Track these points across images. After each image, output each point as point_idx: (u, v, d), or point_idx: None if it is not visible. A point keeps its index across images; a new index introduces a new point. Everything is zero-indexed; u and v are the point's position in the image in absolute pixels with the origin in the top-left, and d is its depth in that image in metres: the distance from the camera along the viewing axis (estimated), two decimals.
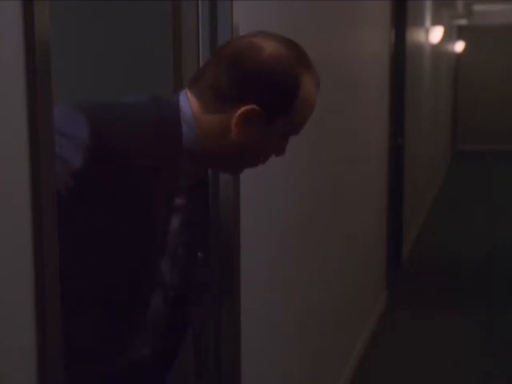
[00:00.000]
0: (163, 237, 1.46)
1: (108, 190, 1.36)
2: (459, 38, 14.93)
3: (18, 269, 1.07)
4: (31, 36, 1.05)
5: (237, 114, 1.42)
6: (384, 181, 5.18)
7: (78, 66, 2.38)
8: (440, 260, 6.75)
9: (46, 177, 1.09)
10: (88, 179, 1.33)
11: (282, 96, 1.43)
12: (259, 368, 2.46)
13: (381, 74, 4.91)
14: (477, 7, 13.63)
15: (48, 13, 1.08)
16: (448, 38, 11.70)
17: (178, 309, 1.55)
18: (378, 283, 5.17)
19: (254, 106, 1.41)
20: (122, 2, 2.31)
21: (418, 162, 7.58)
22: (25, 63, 1.05)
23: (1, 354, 1.04)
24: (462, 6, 12.43)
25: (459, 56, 15.33)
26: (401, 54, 5.82)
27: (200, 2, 1.94)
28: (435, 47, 9.06)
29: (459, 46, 14.95)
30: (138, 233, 1.42)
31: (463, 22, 14.16)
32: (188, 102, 1.46)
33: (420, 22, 7.45)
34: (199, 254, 1.58)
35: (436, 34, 8.73)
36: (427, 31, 8.11)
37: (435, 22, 8.74)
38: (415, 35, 6.91)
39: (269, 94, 1.42)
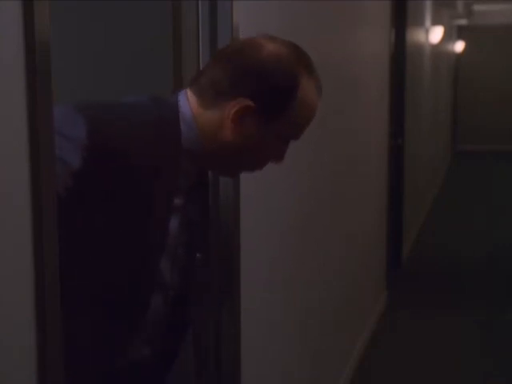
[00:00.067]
0: (163, 237, 1.46)
1: (108, 190, 1.36)
2: (459, 38, 14.93)
3: (18, 269, 1.07)
4: (31, 36, 1.05)
5: (232, 110, 1.42)
6: (384, 181, 5.18)
7: (78, 66, 2.38)
8: (440, 260, 6.75)
9: (46, 177, 1.09)
10: (88, 179, 1.33)
11: (278, 94, 1.43)
12: (259, 368, 2.46)
13: (381, 74, 4.91)
14: (477, 7, 13.63)
15: (48, 13, 1.08)
16: (448, 37, 11.70)
17: (177, 309, 1.55)
18: (378, 283, 5.17)
19: (249, 103, 1.42)
20: (121, 2, 2.31)
21: (418, 162, 7.57)
22: (25, 63, 1.05)
23: (1, 354, 1.04)
24: (461, 5, 12.44)
25: (459, 56, 15.33)
26: (401, 54, 5.82)
27: (200, 2, 1.94)
28: (435, 47, 9.06)
29: (459, 46, 14.95)
30: (137, 233, 1.42)
31: (463, 21, 14.17)
32: (188, 102, 1.47)
33: (420, 22, 7.45)
34: (198, 255, 1.58)
35: (436, 34, 8.73)
36: (427, 31, 8.11)
37: (435, 22, 8.74)
38: (415, 35, 6.91)
39: (265, 92, 1.43)
